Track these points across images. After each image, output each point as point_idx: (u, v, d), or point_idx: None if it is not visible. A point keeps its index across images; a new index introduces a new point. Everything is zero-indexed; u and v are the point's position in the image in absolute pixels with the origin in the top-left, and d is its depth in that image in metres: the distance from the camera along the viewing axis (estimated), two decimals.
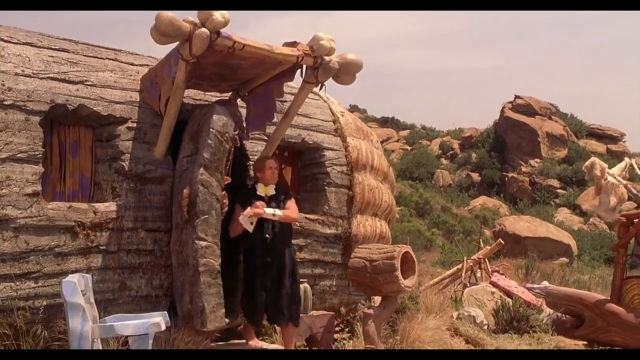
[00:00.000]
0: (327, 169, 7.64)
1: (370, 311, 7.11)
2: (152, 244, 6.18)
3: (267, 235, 6.18)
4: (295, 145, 7.52)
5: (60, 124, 5.94)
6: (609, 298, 9.37)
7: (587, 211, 41.60)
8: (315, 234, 7.42)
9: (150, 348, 4.57)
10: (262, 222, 6.20)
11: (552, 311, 9.90)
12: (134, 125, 6.14)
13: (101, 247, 5.83)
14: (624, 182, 13.00)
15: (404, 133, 59.48)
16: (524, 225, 26.31)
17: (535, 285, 13.13)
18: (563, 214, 41.52)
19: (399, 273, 6.97)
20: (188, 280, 5.90)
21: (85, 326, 4.35)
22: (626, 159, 13.12)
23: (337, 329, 7.55)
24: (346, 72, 6.23)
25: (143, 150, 6.15)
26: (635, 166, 13.60)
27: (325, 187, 7.60)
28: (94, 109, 5.92)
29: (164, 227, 6.23)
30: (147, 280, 6.15)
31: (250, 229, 6.15)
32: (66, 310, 4.42)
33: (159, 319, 4.54)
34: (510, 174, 45.78)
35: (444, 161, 52.27)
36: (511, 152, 47.29)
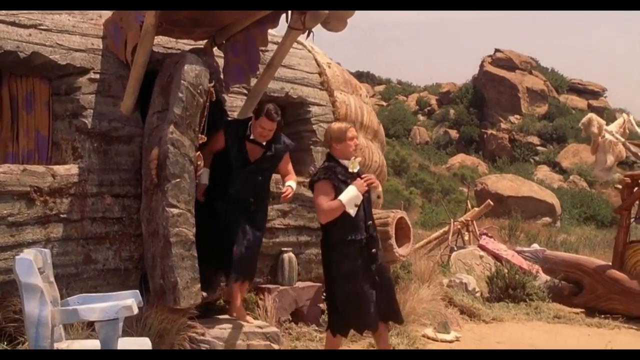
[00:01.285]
0: (313, 126, 7.13)
1: None
2: (120, 211, 5.64)
3: (370, 222, 5.11)
4: (278, 100, 6.95)
5: (10, 75, 5.35)
6: (610, 264, 9.07)
7: (567, 169, 41.74)
8: (300, 197, 6.92)
9: (120, 334, 4.06)
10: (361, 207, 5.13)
11: (549, 278, 9.58)
12: (97, 76, 5.57)
13: (62, 216, 5.29)
14: (622, 139, 12.71)
15: (380, 88, 58.82)
16: (507, 184, 26.11)
17: (526, 249, 12.89)
18: (543, 171, 41.55)
19: (393, 241, 6.54)
20: (159, 253, 5.38)
21: (43, 311, 3.81)
22: (624, 115, 12.78)
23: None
24: (337, 17, 5.64)
25: (108, 105, 5.58)
26: (634, 122, 13.30)
27: (311, 147, 7.11)
28: (50, 57, 5.32)
29: (133, 192, 5.69)
30: (115, 252, 5.63)
31: (353, 212, 5.00)
32: (21, 293, 3.87)
33: (130, 301, 4.01)
34: (489, 131, 45.58)
35: (421, 117, 51.88)
36: (490, 108, 47.03)
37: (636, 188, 8.73)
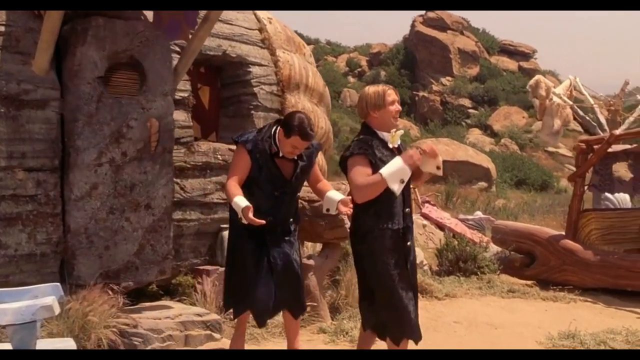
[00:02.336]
0: (254, 89, 6.56)
1: (311, 262, 6.23)
2: (34, 187, 4.97)
3: (408, 209, 4.34)
4: (214, 59, 6.37)
5: None
6: (563, 233, 8.89)
7: (499, 132, 42.31)
8: None
9: (38, 337, 3.47)
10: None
11: (499, 249, 9.37)
12: (2, 29, 4.85)
13: None
14: (570, 102, 12.63)
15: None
16: (442, 148, 26.01)
17: (469, 217, 12.73)
18: (474, 135, 42.00)
19: (345, 216, 6.05)
20: (146, 226, 5.44)
21: None
22: (570, 76, 12.69)
23: None
24: None
25: (16, 64, 4.88)
26: (580, 84, 13.23)
27: (252, 112, 6.55)
28: None
29: (49, 164, 5.03)
30: (29, 235, 4.98)
31: (398, 189, 4.14)
32: None
33: (50, 299, 3.41)
34: (421, 93, 45.72)
35: (352, 79, 51.52)
36: (422, 70, 47.12)
37: (591, 154, 8.51)
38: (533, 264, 8.82)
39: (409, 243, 4.29)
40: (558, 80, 53.88)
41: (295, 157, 4.56)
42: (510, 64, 50.03)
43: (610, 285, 8.10)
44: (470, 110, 44.80)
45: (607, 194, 11.02)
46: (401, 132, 4.35)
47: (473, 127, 43.16)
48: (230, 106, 6.67)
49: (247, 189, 4.49)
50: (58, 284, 3.91)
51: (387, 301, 4.23)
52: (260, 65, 6.64)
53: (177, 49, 5.86)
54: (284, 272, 4.60)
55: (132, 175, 5.33)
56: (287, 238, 4.65)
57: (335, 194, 4.55)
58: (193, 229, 6.06)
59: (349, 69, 52.88)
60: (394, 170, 4.08)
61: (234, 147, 6.28)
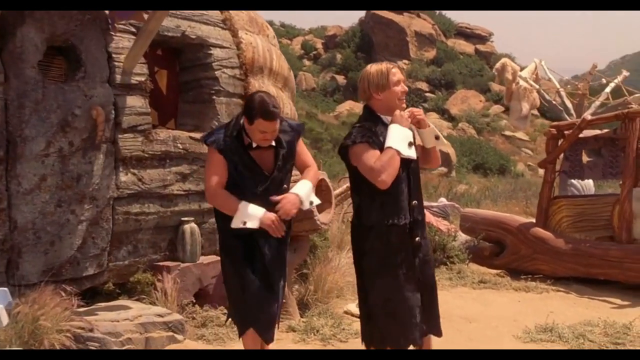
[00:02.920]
0: (216, 72, 6.24)
1: None
2: None
3: (415, 202, 3.98)
4: (172, 40, 6.03)
5: None
6: (533, 221, 8.79)
7: (456, 116, 42.51)
8: (202, 157, 6.06)
9: None
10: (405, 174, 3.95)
11: (468, 237, 9.24)
12: None
13: None
14: (537, 86, 12.56)
15: None
16: None
17: (434, 204, 12.59)
18: (432, 118, 42.03)
19: (314, 207, 5.81)
20: (91, 217, 5.19)
21: None
22: (535, 59, 12.62)
23: None
24: None
25: None
26: (545, 68, 13.18)
27: (214, 97, 6.24)
28: None
29: None
30: None
31: (413, 153, 3.84)
32: None
33: None
34: None
35: (307, 62, 51.18)
36: (378, 53, 46.91)
37: (562, 140, 8.41)
38: (503, 253, 8.71)
39: (417, 239, 3.92)
40: (516, 63, 54.52)
41: (274, 145, 4.03)
42: (467, 47, 50.28)
43: (582, 274, 8.03)
44: (428, 94, 44.90)
45: (572, 180, 11.00)
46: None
47: (430, 111, 43.23)
48: (190, 91, 6.35)
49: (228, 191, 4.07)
50: (6, 289, 3.61)
51: (388, 305, 3.89)
52: (221, 47, 6.32)
53: (133, 29, 5.52)
54: (279, 278, 4.20)
55: (78, 166, 5.10)
56: (281, 239, 4.08)
57: (299, 189, 4.03)
58: (152, 222, 5.75)
59: (304, 52, 52.53)
60: (397, 138, 3.77)
61: (194, 134, 6.06)
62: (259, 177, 4.01)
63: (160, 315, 5.22)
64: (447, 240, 8.63)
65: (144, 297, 5.60)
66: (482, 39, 52.03)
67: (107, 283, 5.68)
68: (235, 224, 3.90)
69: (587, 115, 8.14)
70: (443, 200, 13.03)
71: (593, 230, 8.48)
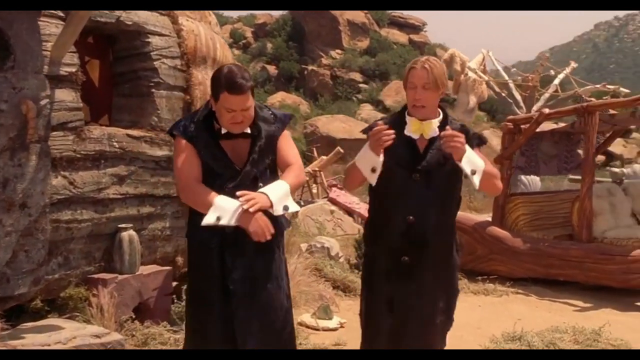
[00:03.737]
0: (154, 63, 5.81)
1: None
2: None
3: (410, 217, 3.51)
4: (105, 27, 5.56)
5: None
6: (489, 220, 8.62)
7: (391, 107, 42.61)
8: (141, 157, 5.65)
9: None
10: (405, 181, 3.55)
11: None
12: None
13: None
14: (486, 78, 12.46)
15: None
16: (339, 125, 25.81)
17: None
18: (366, 110, 42.07)
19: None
20: (21, 228, 4.64)
21: None
22: (482, 50, 12.52)
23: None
24: None
25: None
26: (493, 58, 13.09)
27: (153, 90, 5.81)
28: None
29: None
30: None
31: (371, 179, 3.48)
32: None
33: None
34: (310, 67, 45.28)
35: (236, 52, 50.37)
36: (311, 42, 46.65)
37: (517, 135, 8.26)
38: (458, 253, 8.51)
39: (405, 258, 3.51)
40: None
41: (249, 132, 3.41)
42: (400, 36, 50.45)
43: (541, 275, 7.91)
44: (361, 85, 44.83)
45: (521, 176, 10.93)
46: (434, 121, 3.56)
47: (364, 102, 43.22)
48: (126, 83, 5.89)
49: None
50: None
51: (363, 316, 3.75)
52: (160, 35, 5.88)
53: (61, 13, 5.03)
54: (250, 301, 3.43)
55: (5, 169, 4.59)
56: (258, 252, 3.41)
57: (268, 189, 3.37)
58: (85, 230, 5.28)
59: (233, 41, 51.71)
60: (362, 158, 3.47)
61: (132, 132, 5.61)
62: (228, 172, 3.40)
63: (97, 336, 4.76)
64: None
65: (77, 314, 5.15)
66: (415, 28, 52.32)
67: (35, 300, 5.18)
68: (207, 220, 3.23)
69: (545, 109, 8.01)
70: None
71: (550, 228, 8.39)
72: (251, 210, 3.21)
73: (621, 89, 13.21)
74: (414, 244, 3.53)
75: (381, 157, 3.41)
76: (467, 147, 3.37)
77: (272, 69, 46.71)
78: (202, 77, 6.12)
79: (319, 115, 37.46)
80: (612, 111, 7.97)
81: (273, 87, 45.03)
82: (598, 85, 13.05)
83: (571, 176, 10.81)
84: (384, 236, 3.61)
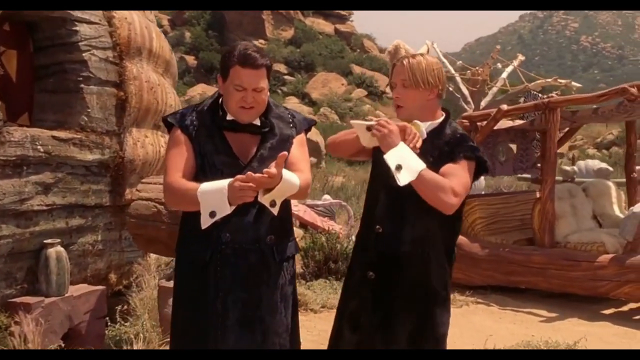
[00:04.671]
0: (84, 54, 5.33)
1: (171, 284, 5.14)
2: None
3: (379, 228, 3.22)
4: (25, 12, 5.05)
5: None
6: None
7: (317, 100, 42.46)
8: (69, 162, 5.18)
9: None
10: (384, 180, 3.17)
11: None
12: None
13: None
14: None
15: None
16: None
17: (318, 202, 12.07)
18: (291, 103, 41.77)
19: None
20: None
21: None
22: (427, 41, 12.30)
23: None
24: None
25: None
26: (438, 50, 12.92)
27: (82, 85, 5.33)
28: None
29: None
30: None
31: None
32: None
33: None
34: None
35: None
36: (232, 32, 46.15)
37: (472, 132, 8.06)
38: None
39: (371, 273, 3.23)
40: (375, 44, 55.41)
41: (259, 125, 3.06)
42: (326, 26, 50.46)
43: (501, 283, 7.74)
44: (286, 77, 44.60)
45: None
46: (416, 124, 3.18)
47: (290, 95, 43.00)
48: (50, 78, 5.40)
49: None
50: None
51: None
52: (89, 22, 5.40)
53: None
54: (244, 330, 3.03)
55: None
56: (262, 271, 3.03)
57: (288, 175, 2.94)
58: (5, 248, 4.77)
59: None
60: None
61: (58, 133, 5.12)
62: (231, 167, 2.96)
63: None
64: (351, 248, 8.08)
65: None
66: (341, 18, 52.42)
67: None
68: (205, 221, 2.87)
69: (504, 105, 7.83)
70: (328, 198, 12.52)
71: (508, 232, 8.23)
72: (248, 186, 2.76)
73: (573, 83, 13.30)
74: (382, 258, 3.23)
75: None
76: (402, 143, 3.04)
77: (191, 60, 45.99)
78: (137, 70, 5.66)
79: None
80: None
81: (192, 79, 44.35)
82: (549, 80, 13.06)
83: (520, 175, 10.72)
84: (357, 248, 3.41)
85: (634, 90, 6.86)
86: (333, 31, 50.50)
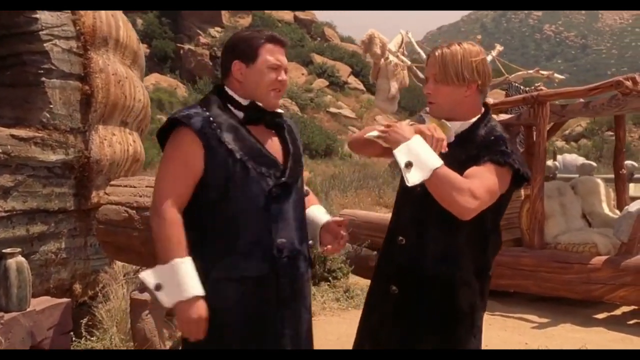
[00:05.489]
0: (45, 45, 5.03)
1: (145, 296, 4.90)
2: None
3: (400, 238, 3.00)
4: None
5: None
6: None
7: None
8: (30, 164, 4.89)
9: None
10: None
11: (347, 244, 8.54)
12: None
13: None
14: (409, 62, 12.11)
15: None
16: None
17: None
18: None
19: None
20: None
21: None
22: (401, 31, 12.13)
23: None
24: None
25: None
26: (413, 40, 12.76)
27: (43, 79, 5.03)
28: None
29: None
30: None
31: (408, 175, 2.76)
32: None
33: None
34: (186, 46, 44.19)
35: None
36: (186, 19, 45.51)
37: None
38: None
39: (394, 288, 3.03)
40: (336, 33, 55.24)
41: (280, 113, 2.89)
42: (285, 14, 50.10)
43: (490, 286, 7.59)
44: None
45: None
46: (447, 125, 2.93)
47: None
48: (7, 70, 5.10)
49: (207, 209, 2.75)
50: None
51: None
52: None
53: None
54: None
55: None
56: (307, 280, 2.91)
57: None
58: None
59: None
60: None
61: (18, 131, 4.83)
62: (270, 167, 2.75)
63: None
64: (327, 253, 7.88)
65: None
66: None
67: None
68: (147, 277, 2.64)
69: (489, 99, 7.70)
70: None
71: None
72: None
73: (556, 75, 13.25)
74: (405, 272, 3.00)
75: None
76: (416, 137, 2.78)
77: (143, 48, 45.23)
78: (104, 62, 5.38)
79: (197, 100, 36.51)
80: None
81: (146, 69, 43.63)
82: (531, 71, 12.98)
83: None
84: (380, 259, 3.16)
85: (629, 83, 6.75)
86: (292, 19, 50.16)
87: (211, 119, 2.68)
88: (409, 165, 2.74)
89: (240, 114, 2.76)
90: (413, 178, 2.74)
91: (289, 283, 2.76)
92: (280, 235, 2.73)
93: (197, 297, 2.58)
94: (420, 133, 2.83)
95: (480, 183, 2.78)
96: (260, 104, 2.77)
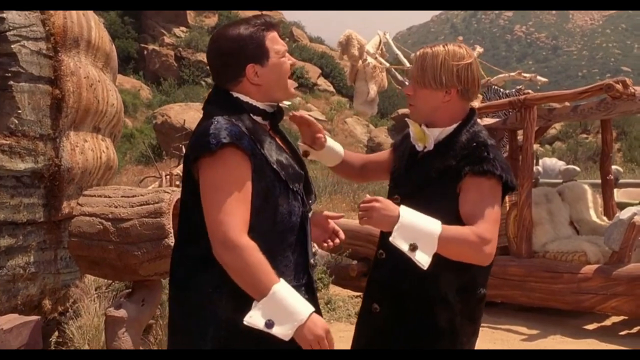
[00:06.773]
0: (12, 46, 4.84)
1: (121, 313, 4.73)
2: None
3: (380, 252, 2.96)
4: None
5: None
6: None
7: None
8: None
9: None
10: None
11: (326, 253, 8.43)
12: None
13: None
14: (387, 64, 12.02)
15: None
16: (194, 115, 24.79)
17: None
18: None
19: (172, 239, 4.67)
20: None
21: None
22: (379, 32, 12.04)
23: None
24: None
25: None
26: (391, 41, 12.67)
27: (11, 82, 4.85)
28: None
29: None
30: None
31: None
32: None
33: None
34: (150, 47, 43.87)
35: None
36: (149, 18, 45.17)
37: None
38: None
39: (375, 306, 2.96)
40: (305, 33, 55.13)
41: (283, 109, 2.80)
42: (252, 14, 49.92)
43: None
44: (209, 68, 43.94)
45: None
46: (426, 133, 2.86)
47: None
48: None
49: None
50: None
51: None
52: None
53: None
54: None
55: None
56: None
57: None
58: None
59: None
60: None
61: None
62: (299, 184, 2.67)
63: None
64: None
65: None
66: None
67: None
68: (254, 319, 2.43)
69: (474, 103, 7.61)
70: None
71: None
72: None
73: (539, 77, 13.24)
74: (384, 288, 2.91)
75: None
76: (402, 209, 2.63)
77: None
78: (75, 65, 5.20)
79: (162, 102, 36.27)
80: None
81: None
82: (513, 74, 12.96)
83: None
84: (369, 274, 3.07)
85: (619, 86, 6.72)
86: None
87: (252, 137, 2.52)
88: (413, 248, 2.61)
89: (261, 120, 2.63)
90: (423, 260, 2.62)
91: (313, 300, 2.64)
92: (312, 253, 2.69)
93: (311, 314, 2.45)
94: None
95: (483, 221, 2.68)
96: (279, 104, 2.70)
